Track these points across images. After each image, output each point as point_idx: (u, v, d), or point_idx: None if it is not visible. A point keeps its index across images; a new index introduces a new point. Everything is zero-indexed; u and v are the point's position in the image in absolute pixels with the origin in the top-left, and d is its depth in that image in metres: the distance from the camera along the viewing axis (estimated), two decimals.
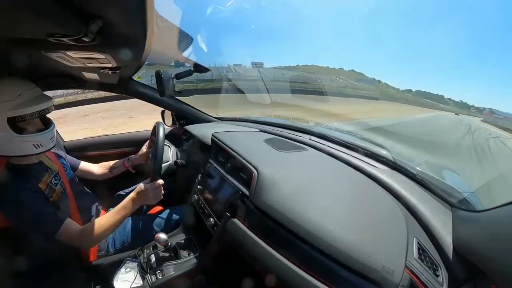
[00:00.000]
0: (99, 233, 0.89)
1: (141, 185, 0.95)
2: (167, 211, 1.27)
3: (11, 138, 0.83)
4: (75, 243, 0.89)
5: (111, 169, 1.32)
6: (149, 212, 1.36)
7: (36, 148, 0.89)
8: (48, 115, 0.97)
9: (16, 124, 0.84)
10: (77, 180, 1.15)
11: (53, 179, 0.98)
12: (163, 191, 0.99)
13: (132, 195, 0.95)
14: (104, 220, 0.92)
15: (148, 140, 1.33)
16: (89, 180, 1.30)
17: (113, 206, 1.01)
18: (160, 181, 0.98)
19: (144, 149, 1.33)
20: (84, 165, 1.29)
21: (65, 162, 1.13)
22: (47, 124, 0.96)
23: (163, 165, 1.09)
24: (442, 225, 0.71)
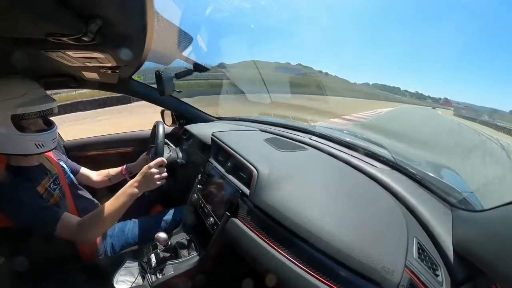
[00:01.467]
0: (100, 222, 0.87)
1: (144, 167, 0.92)
2: (167, 212, 1.27)
3: (13, 136, 0.83)
4: (75, 236, 0.87)
5: (109, 177, 1.31)
6: (149, 214, 1.36)
7: (38, 148, 0.89)
8: None
9: (19, 122, 0.84)
10: (77, 183, 1.14)
11: (52, 184, 0.97)
12: (166, 174, 0.95)
13: (134, 179, 0.91)
14: (103, 208, 0.87)
15: (147, 151, 1.32)
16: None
17: None
18: (164, 160, 0.95)
19: (142, 158, 1.31)
20: (84, 171, 1.28)
21: (65, 166, 1.11)
22: (49, 125, 0.96)
23: (164, 154, 1.08)
24: (442, 225, 0.71)
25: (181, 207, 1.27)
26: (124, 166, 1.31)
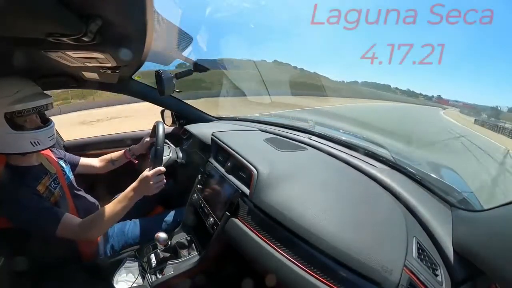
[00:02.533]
0: (101, 223, 0.88)
1: (143, 173, 0.94)
2: (168, 213, 1.27)
3: (6, 135, 0.83)
4: (76, 235, 0.88)
5: (112, 161, 1.30)
6: (149, 214, 1.35)
7: (33, 146, 0.88)
8: None
9: (14, 120, 0.84)
10: (75, 184, 1.13)
11: (52, 183, 0.97)
12: (165, 180, 0.97)
13: (134, 184, 0.93)
14: (104, 210, 0.89)
15: (149, 134, 1.31)
16: (89, 181, 1.29)
17: None
18: (162, 169, 0.96)
19: (145, 139, 1.31)
20: (85, 160, 1.27)
21: (64, 166, 1.11)
22: (46, 122, 0.96)
23: (164, 157, 1.08)
24: (442, 224, 0.71)
25: (181, 208, 1.27)
26: (127, 149, 1.31)
